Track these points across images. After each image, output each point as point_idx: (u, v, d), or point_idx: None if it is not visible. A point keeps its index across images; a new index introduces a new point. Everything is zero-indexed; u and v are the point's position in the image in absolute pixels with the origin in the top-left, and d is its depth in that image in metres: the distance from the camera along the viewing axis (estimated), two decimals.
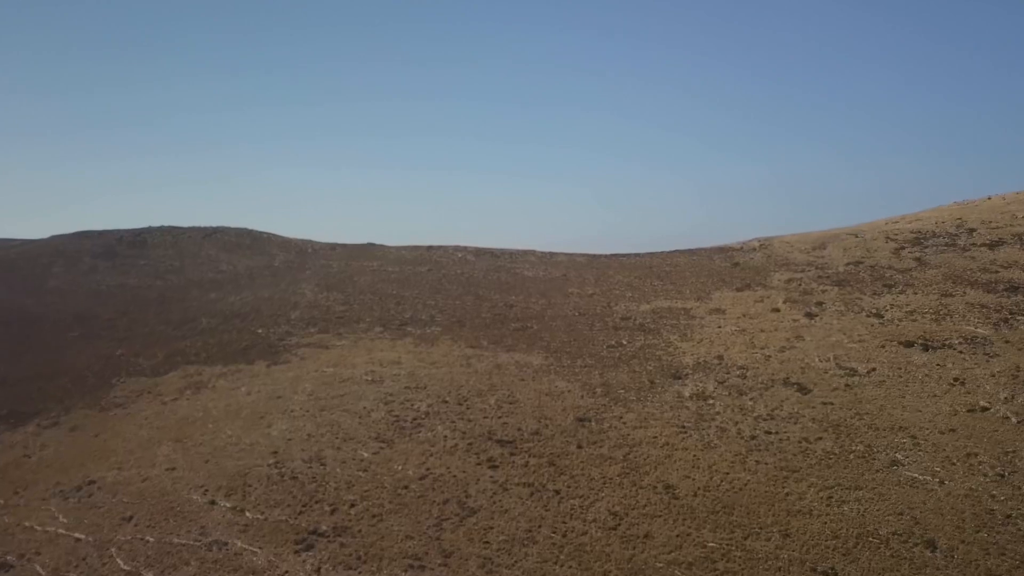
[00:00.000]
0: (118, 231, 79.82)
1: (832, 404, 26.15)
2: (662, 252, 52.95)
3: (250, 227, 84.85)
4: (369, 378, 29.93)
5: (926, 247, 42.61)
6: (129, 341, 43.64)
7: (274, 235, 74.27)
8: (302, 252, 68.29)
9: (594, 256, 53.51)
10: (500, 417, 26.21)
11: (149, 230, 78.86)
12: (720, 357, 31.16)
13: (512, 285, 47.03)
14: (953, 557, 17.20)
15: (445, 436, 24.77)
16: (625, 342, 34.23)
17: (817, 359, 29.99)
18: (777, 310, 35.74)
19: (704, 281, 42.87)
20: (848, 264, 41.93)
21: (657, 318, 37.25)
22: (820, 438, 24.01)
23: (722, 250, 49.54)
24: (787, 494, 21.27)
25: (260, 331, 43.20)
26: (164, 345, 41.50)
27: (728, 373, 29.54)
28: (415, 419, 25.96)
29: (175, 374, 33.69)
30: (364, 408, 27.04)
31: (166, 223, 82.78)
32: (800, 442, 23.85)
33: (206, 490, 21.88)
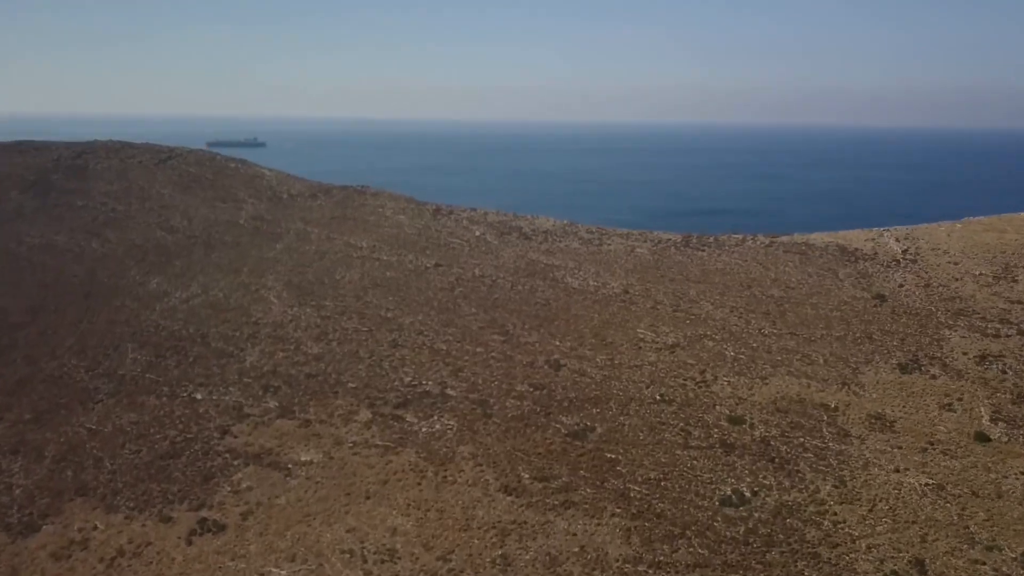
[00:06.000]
0: (58, 146, 65.26)
1: None
2: (754, 239, 38.98)
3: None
4: None
5: None
6: (25, 390, 31.52)
7: (242, 165, 59.80)
8: (275, 199, 54.15)
9: (658, 244, 39.52)
10: None
11: (93, 148, 64.31)
12: (920, 564, 18.99)
13: (553, 309, 33.86)
14: None
15: None
16: (748, 493, 21.94)
17: None
18: (986, 439, 23.05)
19: (841, 336, 29.41)
20: None
21: (787, 427, 24.70)
22: None
23: (845, 253, 35.55)
24: None
25: (199, 396, 30.98)
26: (67, 412, 29.48)
27: None
28: None
29: (49, 530, 21.97)
30: None
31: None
32: None
33: None
